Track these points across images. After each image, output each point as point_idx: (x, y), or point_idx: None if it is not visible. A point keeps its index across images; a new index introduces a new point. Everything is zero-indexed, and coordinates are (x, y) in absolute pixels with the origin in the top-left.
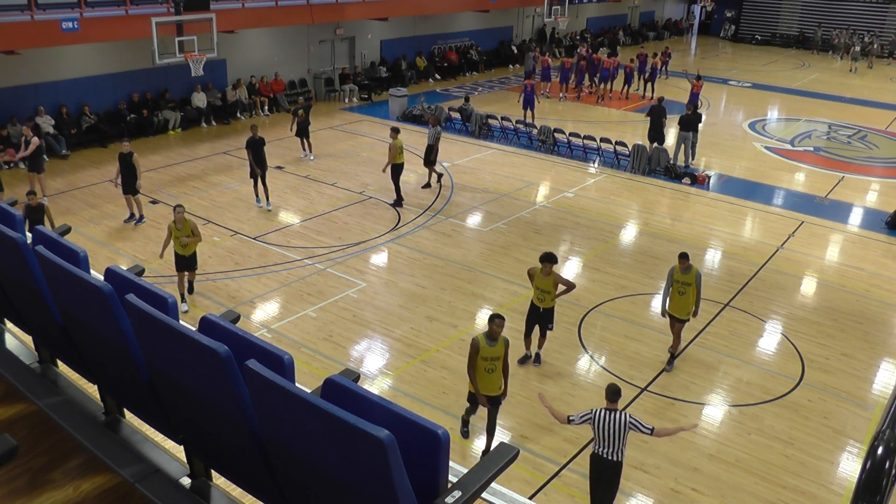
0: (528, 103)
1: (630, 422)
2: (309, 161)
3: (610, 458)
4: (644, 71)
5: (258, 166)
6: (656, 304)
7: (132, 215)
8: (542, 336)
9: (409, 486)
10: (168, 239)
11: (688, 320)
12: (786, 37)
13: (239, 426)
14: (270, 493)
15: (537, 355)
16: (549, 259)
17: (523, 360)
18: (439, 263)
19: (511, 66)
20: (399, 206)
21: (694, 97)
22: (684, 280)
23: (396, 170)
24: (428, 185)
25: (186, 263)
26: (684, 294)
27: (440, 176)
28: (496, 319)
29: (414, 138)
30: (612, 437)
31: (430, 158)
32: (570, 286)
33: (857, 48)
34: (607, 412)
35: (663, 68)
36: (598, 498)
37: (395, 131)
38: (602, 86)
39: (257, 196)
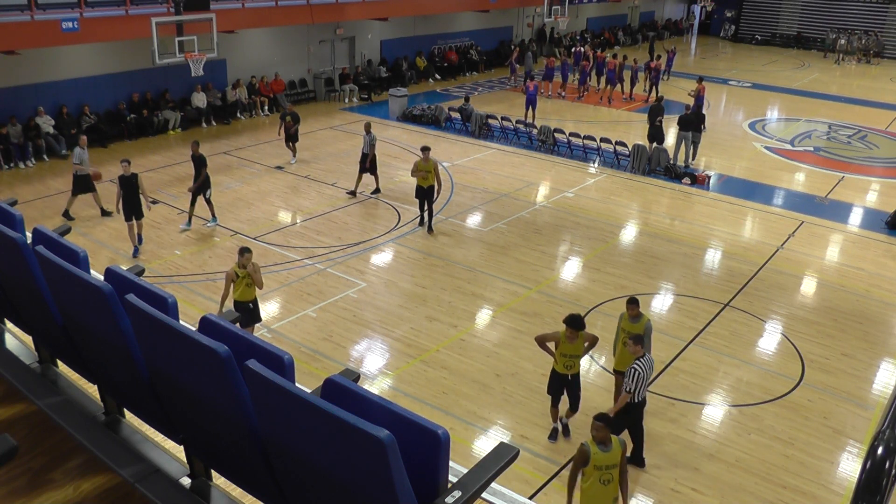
0: (531, 103)
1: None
2: (290, 164)
3: (638, 400)
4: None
5: (201, 183)
6: (656, 304)
7: (136, 248)
8: (574, 406)
9: (409, 486)
10: (229, 288)
11: None
12: (786, 37)
13: (239, 426)
14: (270, 493)
15: (566, 426)
16: (576, 325)
17: (553, 436)
18: (439, 263)
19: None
20: (420, 225)
21: (699, 99)
22: (631, 330)
23: (420, 192)
24: (352, 193)
25: (254, 315)
26: (629, 346)
27: (377, 190)
28: (601, 425)
29: (414, 138)
30: (647, 380)
31: (365, 166)
32: (595, 341)
33: (843, 41)
34: (644, 360)
35: (667, 68)
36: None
37: (426, 150)
38: (608, 87)
39: (189, 219)
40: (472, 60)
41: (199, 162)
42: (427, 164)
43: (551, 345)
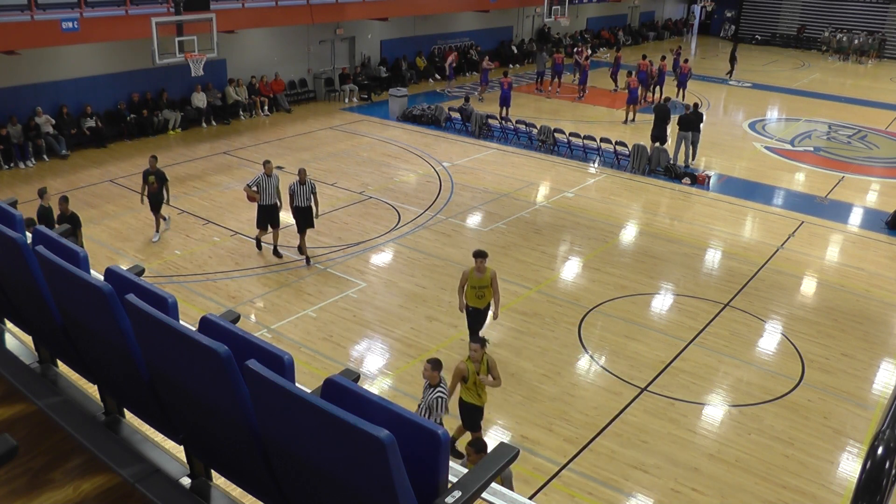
0: (504, 101)
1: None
2: (153, 241)
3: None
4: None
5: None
6: (656, 303)
7: None
8: None
9: (409, 486)
10: (456, 385)
11: None
12: (786, 37)
13: (239, 426)
14: (270, 493)
15: None
16: None
17: None
18: (439, 263)
19: (511, 66)
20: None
21: (640, 75)
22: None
23: (474, 315)
24: (307, 261)
25: (480, 416)
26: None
27: (300, 250)
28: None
29: (414, 138)
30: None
31: (304, 221)
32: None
33: (827, 33)
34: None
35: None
36: None
37: (481, 256)
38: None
39: None
40: (472, 60)
41: (73, 221)
42: (482, 276)
43: None
